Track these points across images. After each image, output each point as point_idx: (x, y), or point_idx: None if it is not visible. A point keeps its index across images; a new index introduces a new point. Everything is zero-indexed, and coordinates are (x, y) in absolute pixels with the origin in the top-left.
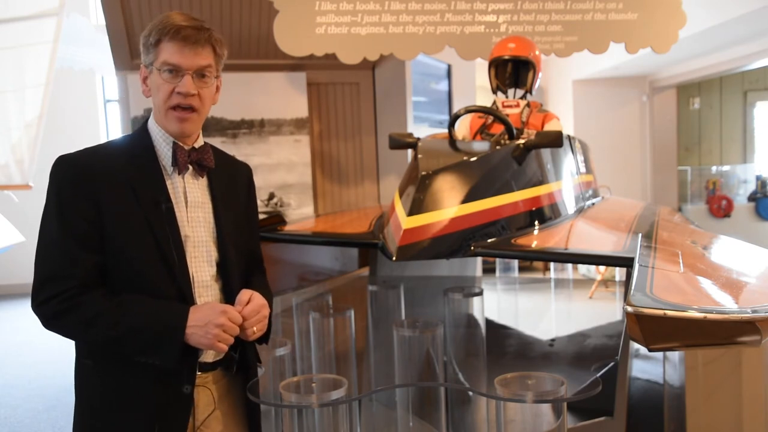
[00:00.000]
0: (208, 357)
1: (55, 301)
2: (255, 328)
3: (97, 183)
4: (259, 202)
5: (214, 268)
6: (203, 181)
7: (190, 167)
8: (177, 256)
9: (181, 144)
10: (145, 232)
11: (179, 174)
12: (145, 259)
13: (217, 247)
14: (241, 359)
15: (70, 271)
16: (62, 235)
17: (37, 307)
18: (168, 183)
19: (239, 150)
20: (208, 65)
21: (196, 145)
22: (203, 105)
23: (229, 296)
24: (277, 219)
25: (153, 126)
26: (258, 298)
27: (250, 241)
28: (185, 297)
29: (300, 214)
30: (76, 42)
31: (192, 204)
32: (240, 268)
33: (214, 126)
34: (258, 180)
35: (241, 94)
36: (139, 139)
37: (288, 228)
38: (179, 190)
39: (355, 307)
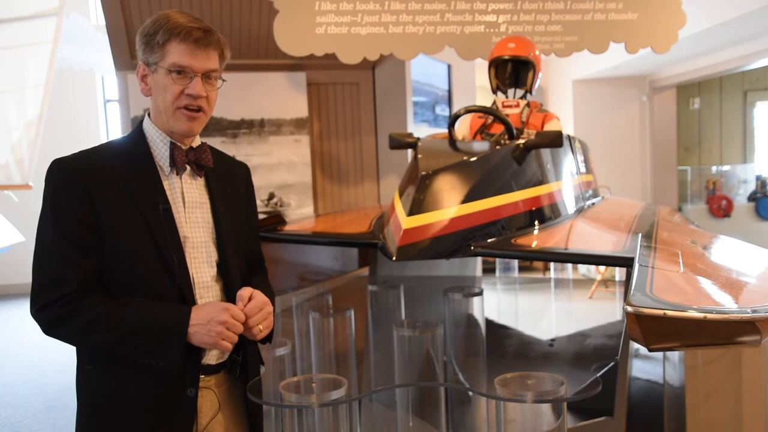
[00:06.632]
0: (212, 359)
1: (54, 306)
2: (261, 326)
3: (93, 185)
4: (259, 202)
5: (214, 269)
6: (201, 181)
7: (188, 167)
8: (176, 257)
9: (179, 144)
10: (143, 234)
11: (177, 174)
12: (145, 262)
13: (216, 248)
14: (244, 362)
15: (69, 275)
16: (59, 240)
17: (36, 313)
18: (165, 183)
19: (239, 150)
20: (215, 68)
21: (194, 145)
22: (209, 107)
23: (230, 297)
24: (277, 219)
25: (149, 126)
26: (259, 296)
27: (250, 241)
28: (186, 299)
29: (300, 214)
30: (76, 42)
31: (190, 204)
32: (240, 269)
33: (214, 126)
34: (258, 180)
35: (241, 94)
36: (135, 140)
37: (288, 228)
38: (177, 190)
39: (355, 307)
